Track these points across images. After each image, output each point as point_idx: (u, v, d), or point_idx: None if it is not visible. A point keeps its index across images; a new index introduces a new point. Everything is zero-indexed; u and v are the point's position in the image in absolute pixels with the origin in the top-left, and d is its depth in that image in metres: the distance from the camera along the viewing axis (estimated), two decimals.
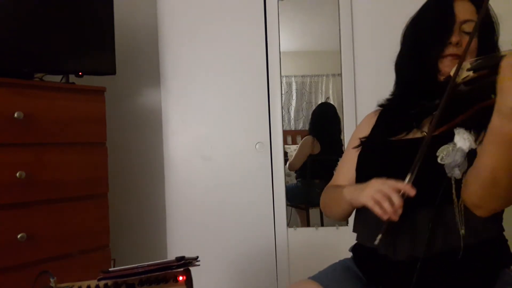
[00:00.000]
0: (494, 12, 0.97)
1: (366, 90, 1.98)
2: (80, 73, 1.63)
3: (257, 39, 2.00)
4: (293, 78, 2.19)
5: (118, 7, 1.77)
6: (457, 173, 0.84)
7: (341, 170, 1.12)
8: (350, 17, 1.97)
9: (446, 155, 0.84)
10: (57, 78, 1.66)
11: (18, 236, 1.39)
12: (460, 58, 0.79)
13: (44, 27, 1.54)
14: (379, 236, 0.79)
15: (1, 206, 1.37)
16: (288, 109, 2.20)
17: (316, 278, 1.00)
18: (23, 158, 1.43)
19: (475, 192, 0.79)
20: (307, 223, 2.13)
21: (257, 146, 2.00)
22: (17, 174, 1.40)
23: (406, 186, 0.78)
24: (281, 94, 2.01)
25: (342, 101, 2.00)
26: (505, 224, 0.94)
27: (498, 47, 0.97)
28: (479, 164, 0.77)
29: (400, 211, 0.77)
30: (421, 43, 0.97)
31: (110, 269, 0.92)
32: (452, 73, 0.79)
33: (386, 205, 0.78)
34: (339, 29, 1.99)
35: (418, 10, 1.03)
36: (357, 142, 1.06)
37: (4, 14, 1.45)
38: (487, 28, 0.94)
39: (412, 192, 0.77)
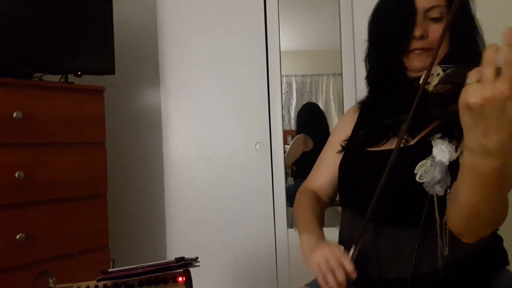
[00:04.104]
0: None
1: (366, 90, 1.97)
2: (79, 73, 1.62)
3: (257, 38, 1.99)
4: (293, 78, 2.19)
5: (118, 7, 1.77)
6: (438, 189, 0.78)
7: (319, 169, 1.09)
8: (350, 16, 1.96)
9: (425, 172, 0.79)
10: (56, 78, 1.65)
11: (17, 237, 1.39)
12: (430, 63, 0.69)
13: (43, 26, 1.54)
14: None
15: (0, 206, 1.37)
16: (288, 109, 2.20)
17: (311, 284, 1.00)
18: (21, 158, 1.42)
19: (458, 224, 0.75)
20: None
21: (257, 146, 2.00)
22: (16, 174, 1.39)
23: (350, 267, 0.76)
24: (281, 93, 2.01)
25: (343, 101, 2.00)
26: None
27: (479, 36, 0.88)
28: (458, 200, 0.72)
29: (344, 286, 0.76)
30: (383, 38, 0.91)
31: (109, 270, 0.91)
32: (421, 81, 0.69)
33: (330, 278, 0.76)
34: (340, 28, 1.98)
35: (378, 0, 0.94)
36: (338, 143, 1.03)
37: (3, 14, 1.45)
38: (459, 14, 0.81)
39: (353, 275, 0.76)
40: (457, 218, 0.74)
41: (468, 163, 0.64)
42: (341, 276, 0.76)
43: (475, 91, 0.55)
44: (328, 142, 1.10)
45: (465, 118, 0.59)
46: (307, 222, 0.96)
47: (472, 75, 0.57)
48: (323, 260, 0.79)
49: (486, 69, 0.55)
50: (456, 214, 0.74)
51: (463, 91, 0.58)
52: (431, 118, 0.76)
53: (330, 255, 0.79)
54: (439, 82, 0.68)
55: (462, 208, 0.71)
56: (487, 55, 0.55)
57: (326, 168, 1.05)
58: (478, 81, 0.56)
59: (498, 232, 0.92)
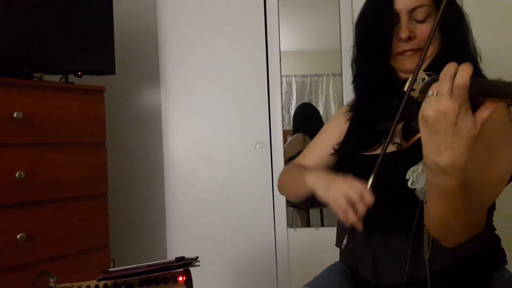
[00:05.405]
0: None
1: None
2: (79, 73, 1.63)
3: (257, 38, 1.99)
4: (293, 78, 2.19)
5: (118, 7, 1.77)
6: None
7: (310, 151, 1.09)
8: (350, 16, 1.96)
9: (417, 178, 0.78)
10: (57, 78, 1.65)
11: (18, 236, 1.39)
12: (415, 69, 0.68)
13: (44, 26, 1.54)
14: (345, 241, 0.75)
15: (0, 206, 1.37)
16: (288, 109, 2.20)
17: (311, 285, 0.99)
18: (22, 158, 1.42)
19: (433, 231, 0.75)
20: (307, 223, 2.13)
21: (257, 146, 2.00)
22: (17, 174, 1.39)
23: (370, 199, 0.73)
24: (281, 93, 2.01)
25: (343, 101, 2.00)
26: (502, 222, 0.92)
27: (469, 37, 0.87)
28: (429, 210, 0.72)
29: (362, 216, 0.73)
30: (370, 42, 0.89)
31: (109, 269, 0.91)
32: (405, 88, 0.69)
33: (351, 213, 0.73)
34: (340, 28, 1.98)
35: (363, 5, 0.92)
36: (331, 135, 1.03)
37: (3, 14, 1.45)
38: (448, 14, 0.79)
39: (371, 205, 0.73)
40: (431, 226, 0.75)
41: (429, 179, 0.65)
42: (361, 209, 0.73)
43: (432, 103, 0.57)
44: (323, 130, 1.10)
45: (422, 131, 0.60)
46: (307, 170, 0.93)
47: (433, 88, 0.58)
48: (342, 195, 0.75)
49: (443, 84, 0.56)
50: (429, 223, 0.75)
51: (423, 103, 0.59)
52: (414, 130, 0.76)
53: (349, 188, 0.75)
54: (420, 91, 0.68)
55: (433, 218, 0.72)
56: (445, 70, 0.56)
57: (318, 153, 1.05)
58: (438, 94, 0.57)
59: (496, 232, 0.92)
